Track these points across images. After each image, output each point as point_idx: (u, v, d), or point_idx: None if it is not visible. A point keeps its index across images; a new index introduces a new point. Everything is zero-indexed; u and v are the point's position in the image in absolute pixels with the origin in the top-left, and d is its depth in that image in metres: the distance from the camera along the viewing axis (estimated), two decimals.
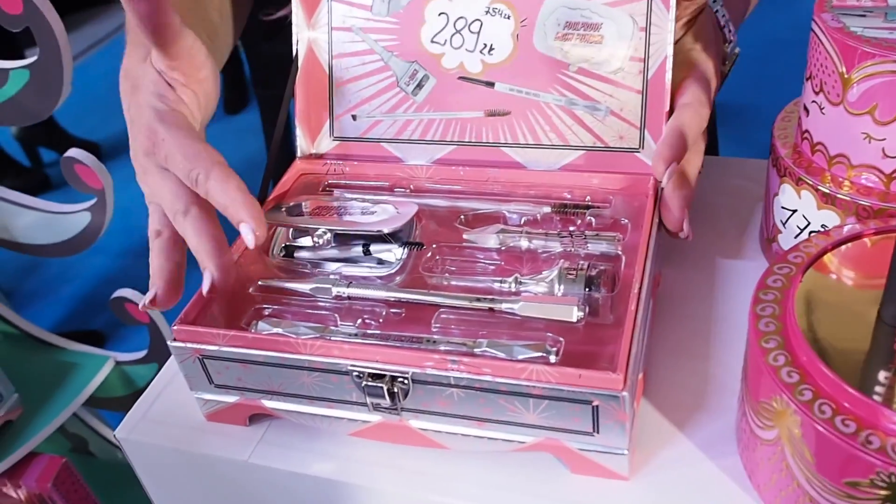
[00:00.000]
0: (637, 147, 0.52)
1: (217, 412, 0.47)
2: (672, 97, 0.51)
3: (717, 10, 0.57)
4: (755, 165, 0.64)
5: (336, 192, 0.55)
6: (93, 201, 0.86)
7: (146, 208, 0.46)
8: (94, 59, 3.39)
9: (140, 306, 0.43)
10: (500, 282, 0.46)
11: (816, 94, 0.47)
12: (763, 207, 0.55)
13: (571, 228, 0.49)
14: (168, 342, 0.44)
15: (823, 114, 0.47)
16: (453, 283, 0.46)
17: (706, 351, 0.49)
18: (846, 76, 0.44)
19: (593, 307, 0.43)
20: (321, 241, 0.48)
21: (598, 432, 0.39)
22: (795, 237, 0.51)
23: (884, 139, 0.44)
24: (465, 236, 0.50)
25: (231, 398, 0.46)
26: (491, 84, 0.54)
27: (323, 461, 0.44)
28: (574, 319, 0.42)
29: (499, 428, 0.41)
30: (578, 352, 0.41)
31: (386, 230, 0.47)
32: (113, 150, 2.79)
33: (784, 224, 0.51)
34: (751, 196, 0.61)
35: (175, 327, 0.44)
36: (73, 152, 0.80)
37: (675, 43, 0.51)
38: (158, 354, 1.02)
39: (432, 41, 0.55)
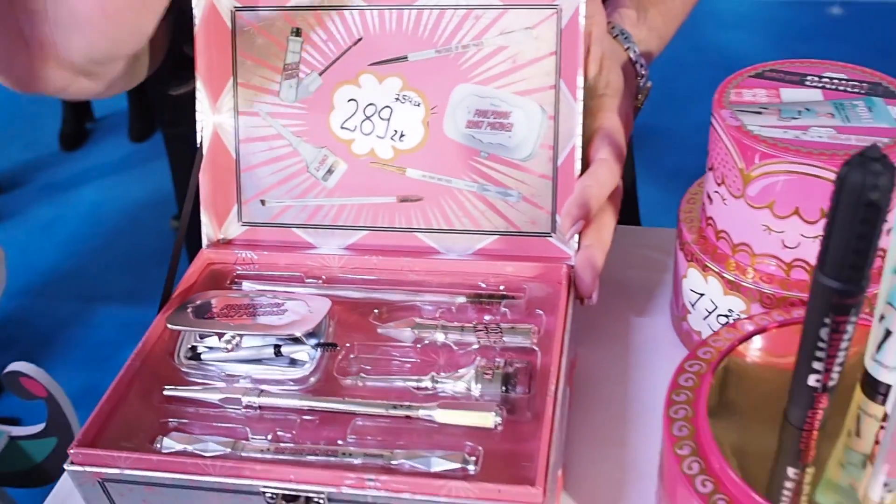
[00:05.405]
0: (548, 231, 0.52)
1: None
2: (585, 148, 0.51)
3: (628, 48, 0.58)
4: (668, 236, 0.65)
5: (245, 284, 0.53)
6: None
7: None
8: None
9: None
10: (417, 381, 0.45)
11: (719, 185, 0.48)
12: (673, 285, 0.57)
13: (487, 318, 0.49)
14: (65, 466, 0.41)
15: (726, 205, 0.48)
16: (369, 383, 0.45)
17: (623, 437, 0.50)
18: (745, 172, 0.46)
19: (511, 405, 0.43)
20: (230, 347, 0.46)
21: None
22: (704, 319, 0.52)
23: (782, 231, 0.46)
24: (379, 331, 0.49)
25: None
26: (402, 170, 0.54)
27: None
28: (491, 426, 0.41)
29: None
30: (499, 454, 0.41)
31: (298, 333, 0.45)
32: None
33: (693, 306, 0.53)
34: (664, 268, 0.63)
35: (73, 451, 0.41)
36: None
37: (585, 82, 0.50)
38: (57, 429, 0.96)
39: (342, 127, 0.54)
